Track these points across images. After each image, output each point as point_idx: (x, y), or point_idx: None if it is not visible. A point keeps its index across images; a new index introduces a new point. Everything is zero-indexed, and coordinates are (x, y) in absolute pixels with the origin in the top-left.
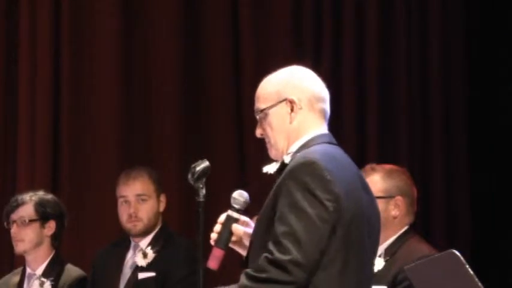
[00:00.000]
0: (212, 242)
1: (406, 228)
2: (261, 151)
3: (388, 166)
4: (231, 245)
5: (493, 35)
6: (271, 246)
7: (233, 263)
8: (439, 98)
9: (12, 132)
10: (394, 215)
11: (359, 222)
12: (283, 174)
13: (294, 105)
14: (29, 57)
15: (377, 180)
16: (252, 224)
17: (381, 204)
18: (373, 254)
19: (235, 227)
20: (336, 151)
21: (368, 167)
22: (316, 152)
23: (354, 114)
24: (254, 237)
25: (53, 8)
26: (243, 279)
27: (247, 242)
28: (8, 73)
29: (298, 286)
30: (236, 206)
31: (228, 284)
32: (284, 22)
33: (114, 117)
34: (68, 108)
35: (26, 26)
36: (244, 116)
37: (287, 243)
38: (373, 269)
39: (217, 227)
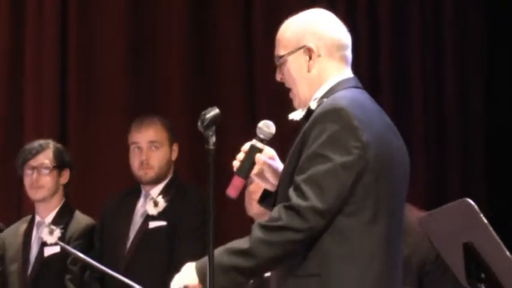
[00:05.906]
0: (234, 170)
1: None
2: (271, 100)
3: None
4: (253, 176)
5: None
6: (290, 193)
7: (245, 218)
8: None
9: (18, 85)
10: None
11: (389, 170)
12: (309, 120)
13: (312, 53)
14: (35, 23)
15: None
16: (276, 156)
17: None
18: (403, 203)
19: (258, 156)
20: (364, 96)
21: None
22: (345, 97)
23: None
24: (279, 186)
25: None
26: (255, 231)
27: (268, 175)
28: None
29: (313, 232)
30: (261, 136)
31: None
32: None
33: (122, 68)
34: (75, 59)
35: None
36: (254, 71)
37: (307, 189)
38: (402, 220)
39: (241, 155)
